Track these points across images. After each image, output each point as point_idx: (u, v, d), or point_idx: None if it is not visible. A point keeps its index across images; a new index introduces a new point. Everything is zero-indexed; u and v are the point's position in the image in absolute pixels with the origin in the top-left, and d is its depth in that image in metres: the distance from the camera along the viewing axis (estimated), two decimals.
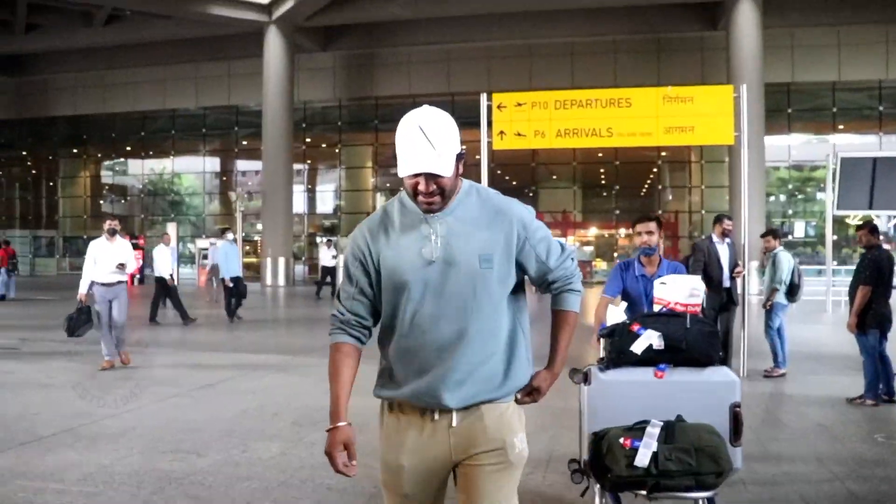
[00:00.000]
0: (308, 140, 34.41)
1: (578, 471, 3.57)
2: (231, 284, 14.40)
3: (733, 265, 8.76)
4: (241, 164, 36.77)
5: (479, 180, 5.06)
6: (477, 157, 9.43)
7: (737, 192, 22.90)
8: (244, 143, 35.70)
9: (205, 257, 26.50)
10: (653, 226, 4.98)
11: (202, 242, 29.95)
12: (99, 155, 39.02)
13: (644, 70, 29.93)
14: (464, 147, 2.34)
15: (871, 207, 16.63)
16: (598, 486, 3.78)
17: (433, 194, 2.24)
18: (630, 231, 31.86)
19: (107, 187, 39.64)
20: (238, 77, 33.57)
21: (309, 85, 31.93)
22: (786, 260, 9.10)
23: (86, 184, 39.50)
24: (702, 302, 3.87)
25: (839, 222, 24.90)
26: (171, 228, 24.57)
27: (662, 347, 3.51)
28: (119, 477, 4.88)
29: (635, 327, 3.59)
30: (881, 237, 7.85)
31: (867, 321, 7.23)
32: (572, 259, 2.45)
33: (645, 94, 9.65)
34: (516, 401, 2.34)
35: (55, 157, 39.33)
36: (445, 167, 2.21)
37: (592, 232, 33.82)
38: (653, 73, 29.93)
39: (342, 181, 35.59)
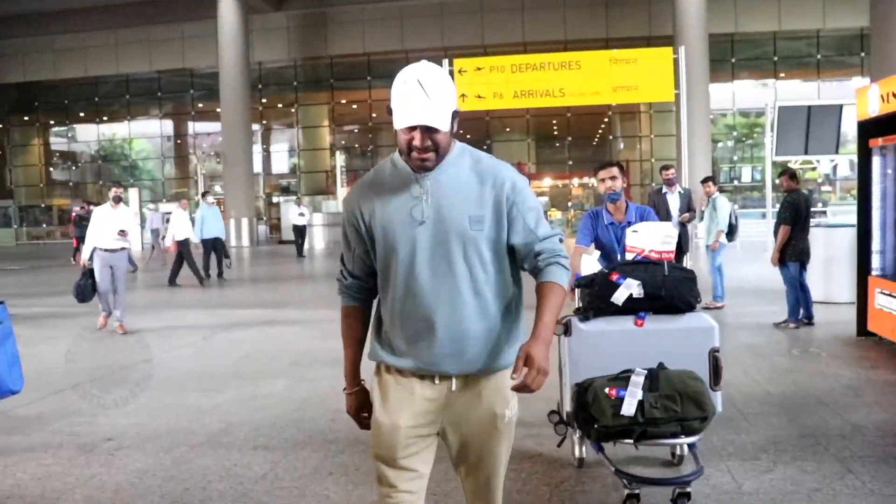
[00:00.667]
0: (264, 101, 34.62)
1: (562, 422, 3.63)
2: (200, 247, 15.03)
3: (685, 212, 9.43)
4: (198, 127, 36.84)
5: None
6: None
7: (683, 141, 24.06)
8: (199, 105, 35.77)
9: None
10: (615, 171, 4.93)
11: (164, 206, 30.21)
12: (51, 122, 38.72)
13: (593, 24, 30.72)
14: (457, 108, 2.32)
15: (806, 153, 17.77)
16: (576, 435, 3.94)
17: (427, 150, 2.20)
18: (582, 181, 32.97)
19: (57, 154, 39.45)
20: (191, 39, 33.54)
21: (263, 46, 32.00)
22: (724, 204, 10.07)
23: (39, 152, 39.20)
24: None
25: (782, 167, 26.29)
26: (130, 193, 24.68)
27: (642, 296, 3.55)
28: (159, 410, 5.71)
29: (615, 276, 3.61)
30: (806, 181, 8.87)
31: (787, 255, 8.27)
32: (561, 241, 2.40)
33: (593, 56, 10.57)
34: (514, 388, 2.19)
35: (6, 125, 38.87)
36: (442, 121, 2.18)
37: (547, 182, 34.71)
38: (601, 27, 30.75)
39: (300, 140, 35.94)
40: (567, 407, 3.63)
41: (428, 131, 2.18)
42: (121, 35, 34.30)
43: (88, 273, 9.18)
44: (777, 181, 9.65)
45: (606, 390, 3.27)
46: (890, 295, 6.98)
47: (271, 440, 4.91)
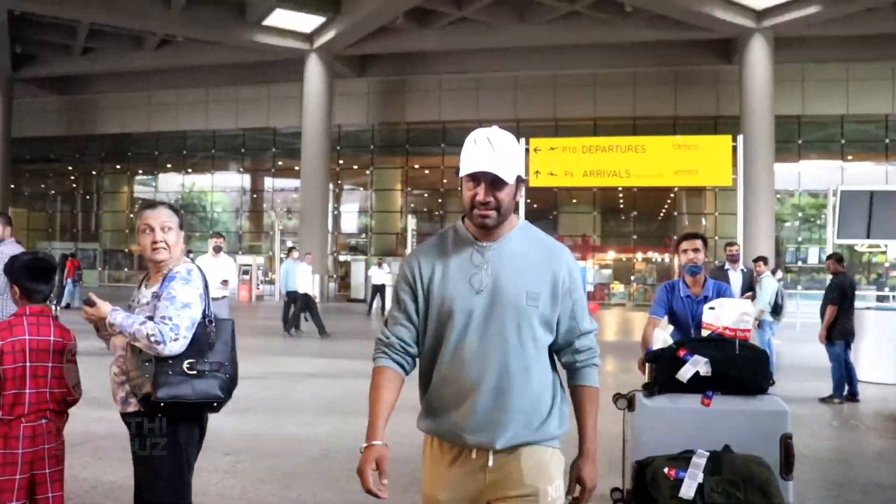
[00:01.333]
0: (341, 162, 36.22)
1: (622, 500, 3.52)
2: (286, 298, 16.10)
3: (746, 291, 9.51)
4: (276, 184, 38.70)
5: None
6: None
7: (748, 220, 24.53)
8: (279, 163, 37.65)
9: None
10: (699, 243, 4.93)
11: (240, 258, 31.71)
12: (140, 171, 41.09)
13: (661, 101, 31.60)
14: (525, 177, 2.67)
15: (868, 237, 18.18)
16: None
17: (489, 206, 2.25)
18: (646, 255, 33.41)
19: (138, 202, 41.70)
20: (276, 100, 35.56)
21: (343, 109, 33.64)
22: (769, 283, 10.70)
23: (126, 199, 41.54)
24: (752, 328, 3.78)
25: (849, 249, 26.50)
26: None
27: (710, 374, 3.45)
28: (264, 435, 6.65)
29: (682, 352, 3.52)
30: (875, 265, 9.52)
31: (834, 334, 8.90)
32: (595, 335, 2.46)
33: (657, 141, 11.54)
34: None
35: (99, 172, 41.34)
36: (506, 173, 2.24)
37: (611, 255, 35.28)
38: (670, 105, 31.61)
39: (372, 202, 37.40)
40: (627, 485, 3.50)
41: (492, 187, 2.24)
42: (212, 93, 36.58)
43: None
44: (825, 265, 10.27)
45: (666, 470, 3.18)
46: None
47: None
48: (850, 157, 31.84)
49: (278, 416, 7.50)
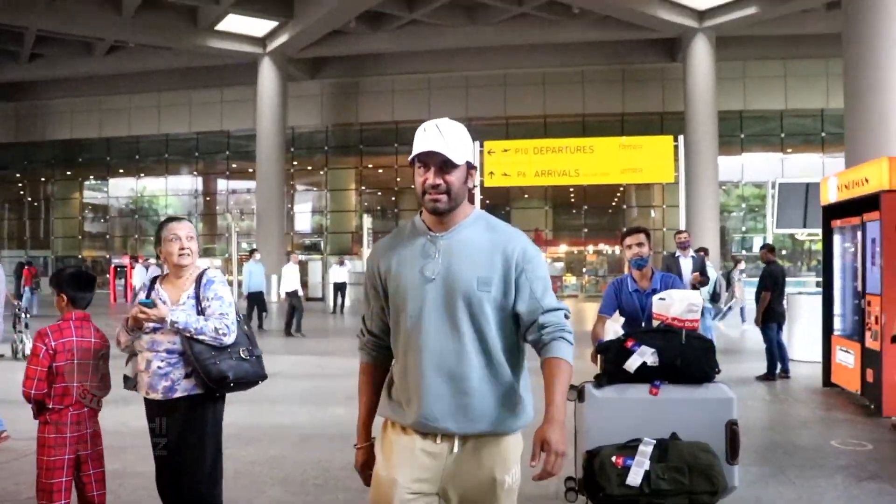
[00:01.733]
0: (295, 163, 36.50)
1: (573, 489, 3.56)
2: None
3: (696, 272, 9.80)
4: (231, 186, 38.81)
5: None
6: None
7: (694, 212, 25.52)
8: (233, 165, 37.76)
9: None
10: (643, 237, 4.97)
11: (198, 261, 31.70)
12: (91, 177, 40.75)
13: (609, 99, 32.52)
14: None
15: (804, 226, 19.21)
16: None
17: (440, 190, 2.30)
18: (597, 248, 34.32)
19: (89, 207, 41.44)
20: (229, 104, 35.68)
21: (297, 111, 33.91)
22: (710, 272, 11.48)
23: (78, 205, 41.22)
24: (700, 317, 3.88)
25: (791, 238, 27.76)
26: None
27: (657, 364, 3.51)
28: (253, 422, 7.14)
29: (630, 343, 3.58)
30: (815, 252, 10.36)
31: (767, 318, 9.68)
32: (566, 316, 2.41)
33: (604, 142, 12.31)
34: (536, 478, 2.18)
35: (49, 179, 40.92)
36: (454, 154, 2.30)
37: (563, 249, 36.16)
38: (618, 102, 32.54)
39: (328, 202, 37.74)
40: (578, 475, 3.57)
41: (441, 170, 2.30)
42: (164, 97, 36.55)
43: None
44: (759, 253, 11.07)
45: (613, 458, 3.26)
46: (846, 351, 8.34)
47: (346, 444, 6.32)
48: (789, 150, 33.05)
49: (255, 407, 7.96)
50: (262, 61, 31.07)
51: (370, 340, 2.53)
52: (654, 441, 3.27)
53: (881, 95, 14.76)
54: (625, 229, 5.20)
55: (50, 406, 3.66)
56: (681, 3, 26.55)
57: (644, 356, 3.49)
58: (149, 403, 3.61)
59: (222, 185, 39.03)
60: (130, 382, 3.70)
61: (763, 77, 31.36)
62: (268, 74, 31.20)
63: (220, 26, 29.34)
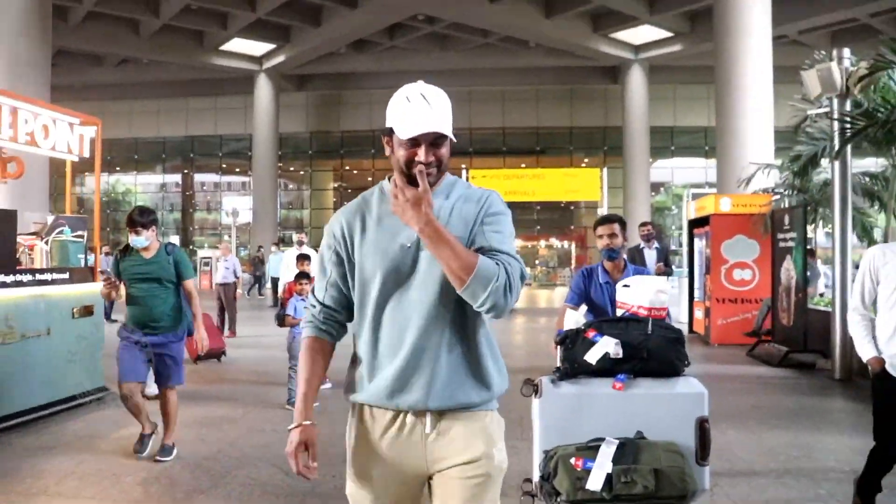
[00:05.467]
0: (280, 165, 40.94)
1: (529, 493, 3.15)
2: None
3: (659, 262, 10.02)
4: (226, 186, 43.29)
5: None
6: None
7: (630, 210, 30.72)
8: (223, 166, 42.17)
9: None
10: (616, 227, 4.66)
11: (204, 252, 35.96)
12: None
13: (560, 114, 37.76)
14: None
15: None
16: None
17: (431, 166, 2.11)
18: (548, 242, 39.66)
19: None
20: (224, 110, 40.10)
21: (284, 119, 38.09)
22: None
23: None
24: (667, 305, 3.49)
25: None
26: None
27: (621, 356, 3.12)
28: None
29: (590, 333, 3.20)
30: None
31: None
32: (523, 277, 2.11)
33: (553, 172, 17.40)
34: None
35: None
36: (447, 127, 2.11)
37: (518, 243, 40.76)
38: (567, 117, 37.80)
39: (311, 201, 42.43)
40: (535, 476, 3.12)
41: (433, 146, 2.10)
42: (163, 104, 40.72)
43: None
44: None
45: (572, 461, 2.86)
46: (699, 310, 13.57)
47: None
48: (712, 159, 38.44)
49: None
50: (258, 77, 35.54)
51: (322, 311, 2.26)
52: (618, 441, 2.90)
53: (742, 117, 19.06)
54: (597, 219, 4.87)
55: None
56: (619, 39, 31.73)
57: (606, 347, 3.14)
58: None
59: (218, 184, 43.30)
60: None
61: (690, 98, 36.68)
62: (263, 88, 35.69)
63: (224, 47, 33.70)
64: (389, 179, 2.23)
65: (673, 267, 10.87)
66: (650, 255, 10.11)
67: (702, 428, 3.04)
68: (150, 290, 5.49)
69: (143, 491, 4.93)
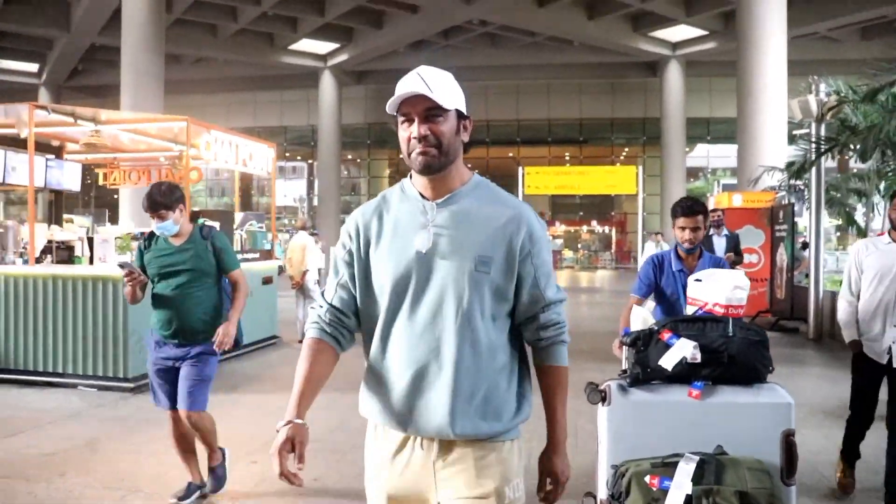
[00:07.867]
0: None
1: None
2: None
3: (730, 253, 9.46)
4: (289, 174, 46.69)
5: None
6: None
7: (665, 196, 33.13)
8: (286, 154, 45.46)
9: None
10: (700, 220, 4.15)
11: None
12: None
13: (602, 106, 40.30)
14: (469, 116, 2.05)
15: None
16: None
17: (428, 142, 1.90)
18: (591, 227, 42.59)
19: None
20: (289, 103, 43.41)
21: (345, 110, 41.15)
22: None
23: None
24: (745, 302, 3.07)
25: None
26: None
27: (699, 360, 2.81)
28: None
29: (665, 335, 2.88)
30: None
31: None
32: (563, 306, 2.07)
33: (596, 169, 20.27)
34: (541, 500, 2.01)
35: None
36: (441, 98, 1.91)
37: (562, 228, 43.03)
38: (608, 108, 40.34)
39: (369, 187, 45.61)
40: (601, 493, 2.86)
41: (427, 120, 1.91)
42: (232, 97, 44.08)
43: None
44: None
45: (647, 479, 2.58)
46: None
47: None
48: None
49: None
50: (322, 73, 38.64)
51: (329, 312, 2.08)
52: (697, 457, 2.58)
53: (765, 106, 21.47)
54: (679, 206, 4.25)
55: None
56: (658, 38, 34.16)
57: (684, 351, 2.80)
58: None
59: (281, 171, 46.41)
60: None
61: (725, 90, 38.75)
62: (327, 83, 38.81)
63: (292, 47, 36.83)
64: (410, 178, 2.05)
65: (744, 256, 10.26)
66: (719, 243, 9.49)
67: (788, 442, 2.73)
68: (183, 288, 4.36)
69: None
